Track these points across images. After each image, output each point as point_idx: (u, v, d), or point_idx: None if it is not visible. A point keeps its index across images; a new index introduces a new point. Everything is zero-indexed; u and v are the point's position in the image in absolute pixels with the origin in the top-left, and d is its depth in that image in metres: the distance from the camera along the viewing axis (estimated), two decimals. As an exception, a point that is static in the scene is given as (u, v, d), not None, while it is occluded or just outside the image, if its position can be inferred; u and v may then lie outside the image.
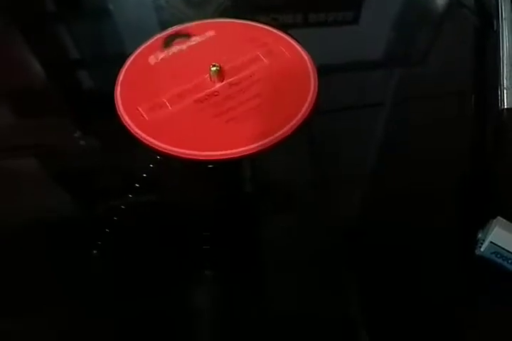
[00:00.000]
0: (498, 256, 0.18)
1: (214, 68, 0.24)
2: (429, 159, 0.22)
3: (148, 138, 0.23)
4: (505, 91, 0.22)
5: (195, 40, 0.27)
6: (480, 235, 0.18)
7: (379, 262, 0.19)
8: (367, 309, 0.18)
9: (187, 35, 0.28)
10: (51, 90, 0.28)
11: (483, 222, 0.19)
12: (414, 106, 0.25)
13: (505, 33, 0.24)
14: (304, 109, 0.23)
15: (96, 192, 0.22)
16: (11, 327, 0.18)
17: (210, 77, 0.24)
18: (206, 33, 0.28)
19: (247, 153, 0.22)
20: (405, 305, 0.18)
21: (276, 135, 0.22)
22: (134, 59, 0.27)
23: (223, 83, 0.25)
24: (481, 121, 0.23)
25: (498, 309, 0.18)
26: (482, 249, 0.18)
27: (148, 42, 0.28)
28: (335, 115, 0.25)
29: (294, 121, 0.23)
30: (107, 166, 0.23)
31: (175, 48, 0.27)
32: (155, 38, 0.28)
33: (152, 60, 0.27)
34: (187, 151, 0.22)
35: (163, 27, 0.29)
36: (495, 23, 0.26)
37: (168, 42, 0.28)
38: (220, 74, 0.24)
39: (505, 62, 0.23)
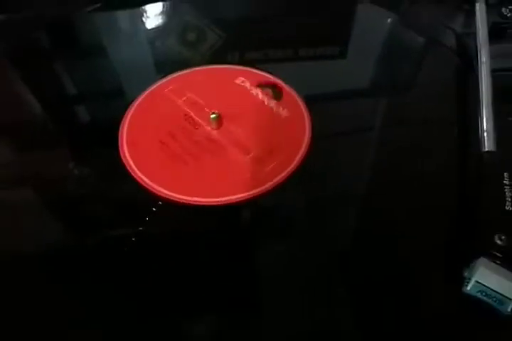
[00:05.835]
0: (483, 294, 0.19)
1: (213, 115, 0.26)
2: (414, 201, 0.23)
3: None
4: (485, 134, 0.23)
5: (270, 103, 0.27)
6: (466, 273, 0.20)
7: (370, 296, 0.20)
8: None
9: (276, 93, 0.27)
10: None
11: (467, 261, 0.20)
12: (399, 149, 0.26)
13: (484, 77, 0.26)
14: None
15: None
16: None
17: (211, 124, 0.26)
18: (280, 109, 0.27)
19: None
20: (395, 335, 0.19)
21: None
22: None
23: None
24: (462, 164, 0.24)
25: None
26: (468, 288, 0.19)
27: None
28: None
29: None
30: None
31: (257, 91, 0.28)
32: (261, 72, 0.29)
33: (240, 80, 0.29)
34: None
35: (158, 66, 0.32)
36: (475, 64, 0.28)
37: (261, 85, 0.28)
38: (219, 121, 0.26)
39: (484, 105, 0.24)
